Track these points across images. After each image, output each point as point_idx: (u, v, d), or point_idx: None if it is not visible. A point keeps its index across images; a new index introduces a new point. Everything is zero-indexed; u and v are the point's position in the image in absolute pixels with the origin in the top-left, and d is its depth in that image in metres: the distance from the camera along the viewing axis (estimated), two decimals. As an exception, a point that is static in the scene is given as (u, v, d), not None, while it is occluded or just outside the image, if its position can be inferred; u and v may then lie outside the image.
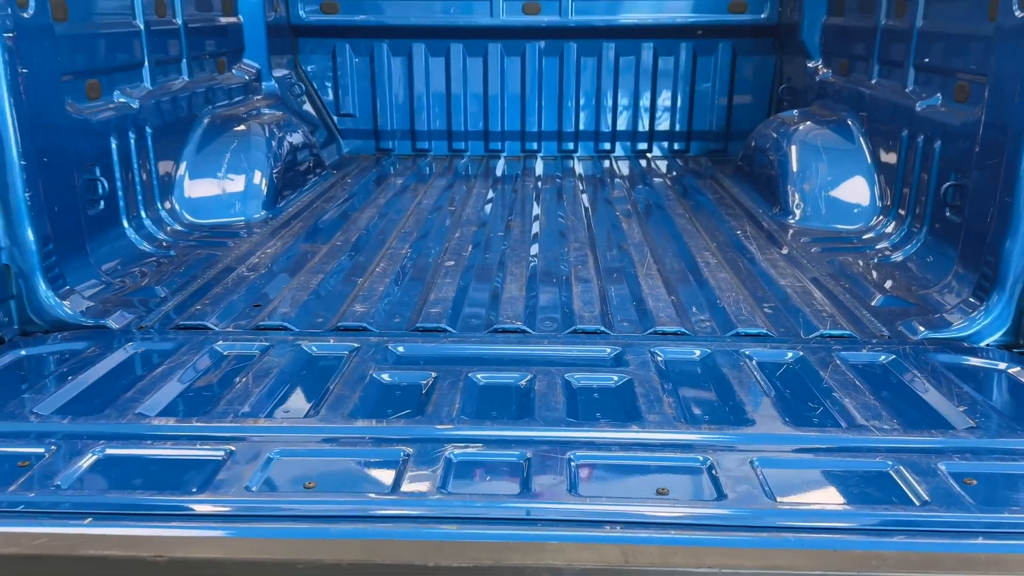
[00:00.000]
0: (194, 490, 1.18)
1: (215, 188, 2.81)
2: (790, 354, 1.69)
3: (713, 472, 1.22)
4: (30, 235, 1.84)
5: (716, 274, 2.23)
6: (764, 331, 1.83)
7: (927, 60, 2.45)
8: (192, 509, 1.13)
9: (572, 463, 1.25)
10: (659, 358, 1.67)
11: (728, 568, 0.97)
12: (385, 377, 1.59)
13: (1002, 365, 1.67)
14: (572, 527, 1.08)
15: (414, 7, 3.81)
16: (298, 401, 1.51)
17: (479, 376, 1.58)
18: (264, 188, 2.89)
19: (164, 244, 2.47)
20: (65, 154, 2.02)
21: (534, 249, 2.50)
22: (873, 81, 2.83)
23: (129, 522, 1.08)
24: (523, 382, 1.56)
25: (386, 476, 1.22)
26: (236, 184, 2.85)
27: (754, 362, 1.66)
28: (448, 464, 1.25)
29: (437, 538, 1.05)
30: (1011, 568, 1.05)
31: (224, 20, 3.29)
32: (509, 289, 2.12)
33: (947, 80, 2.32)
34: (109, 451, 1.29)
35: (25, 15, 1.86)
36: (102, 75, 2.36)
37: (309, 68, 3.96)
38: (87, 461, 1.26)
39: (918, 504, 1.15)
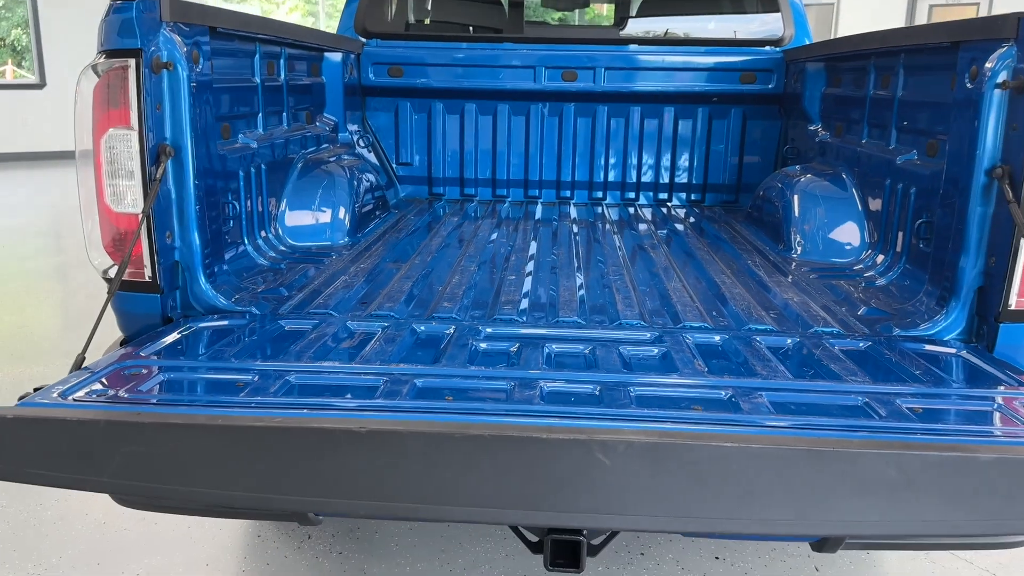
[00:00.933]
0: (374, 395, 1.67)
1: (309, 218, 3.35)
2: (790, 340, 2.18)
3: (733, 400, 1.71)
4: (196, 239, 2.37)
5: (731, 290, 2.74)
6: (771, 327, 2.32)
7: (906, 123, 2.99)
8: (371, 406, 1.62)
9: (631, 392, 1.74)
10: (689, 341, 2.17)
11: (753, 444, 1.45)
12: (481, 346, 2.09)
13: (953, 350, 2.16)
14: (634, 421, 1.57)
15: (467, 73, 4.41)
16: (422, 357, 2.01)
17: (552, 346, 2.08)
18: (347, 220, 3.43)
19: (274, 260, 3.00)
20: (215, 181, 2.56)
21: (578, 271, 3.01)
22: (863, 141, 3.37)
23: (333, 411, 1.57)
24: (587, 351, 2.06)
25: (500, 397, 1.71)
26: (326, 215, 3.39)
27: (763, 344, 2.15)
28: (542, 391, 1.74)
29: (540, 423, 1.53)
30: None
31: (311, 80, 3.88)
32: (563, 297, 2.63)
33: (921, 139, 2.85)
34: (295, 380, 1.79)
35: (198, 69, 2.42)
36: (233, 120, 2.92)
37: (374, 123, 4.55)
38: (284, 383, 1.76)
39: (877, 419, 1.64)
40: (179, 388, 1.80)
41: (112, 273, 2.27)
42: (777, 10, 4.45)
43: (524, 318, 2.39)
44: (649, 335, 2.22)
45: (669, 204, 4.59)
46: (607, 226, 3.96)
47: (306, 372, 1.84)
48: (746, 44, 4.49)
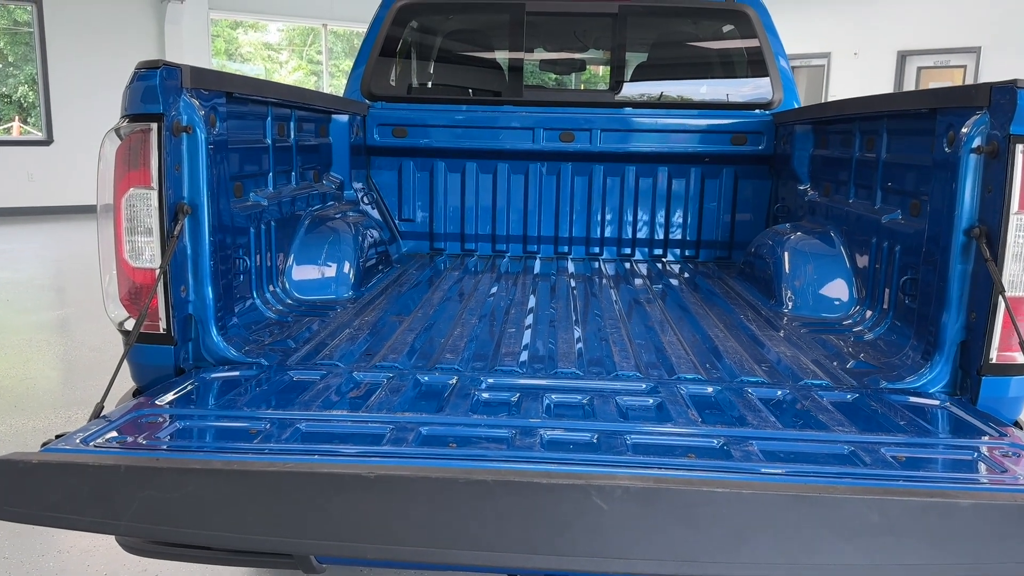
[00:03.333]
0: (381, 443, 1.75)
1: (315, 273, 3.45)
2: (780, 392, 2.27)
3: (725, 448, 1.79)
4: (210, 293, 2.46)
5: (724, 343, 2.83)
6: (763, 379, 2.41)
7: (890, 184, 3.12)
8: (379, 452, 1.70)
9: (627, 440, 1.82)
10: (683, 391, 2.25)
11: (743, 491, 1.52)
12: (483, 395, 2.17)
13: (938, 402, 2.24)
14: (631, 468, 1.64)
15: (469, 134, 4.57)
16: (426, 406, 2.09)
17: (552, 397, 2.16)
18: (352, 275, 3.54)
19: (281, 312, 3.09)
20: (227, 237, 2.67)
21: (576, 325, 3.10)
22: (850, 200, 3.50)
23: (343, 456, 1.65)
24: (584, 401, 2.14)
25: (501, 445, 1.79)
26: (331, 270, 3.49)
27: (754, 396, 2.23)
28: (542, 438, 1.82)
29: (540, 469, 1.61)
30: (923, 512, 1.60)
31: (319, 141, 4.03)
32: (561, 350, 2.72)
33: (904, 199, 2.98)
34: (307, 427, 1.87)
35: (215, 132, 2.54)
36: (245, 179, 3.04)
37: (378, 180, 4.70)
38: (294, 430, 1.83)
39: (862, 466, 1.72)
40: (194, 436, 1.87)
41: (128, 325, 2.36)
42: (766, 75, 4.64)
43: (524, 369, 2.47)
44: (645, 386, 2.30)
45: (664, 260, 4.70)
46: (604, 280, 4.07)
47: (315, 420, 1.91)
48: (737, 107, 4.66)
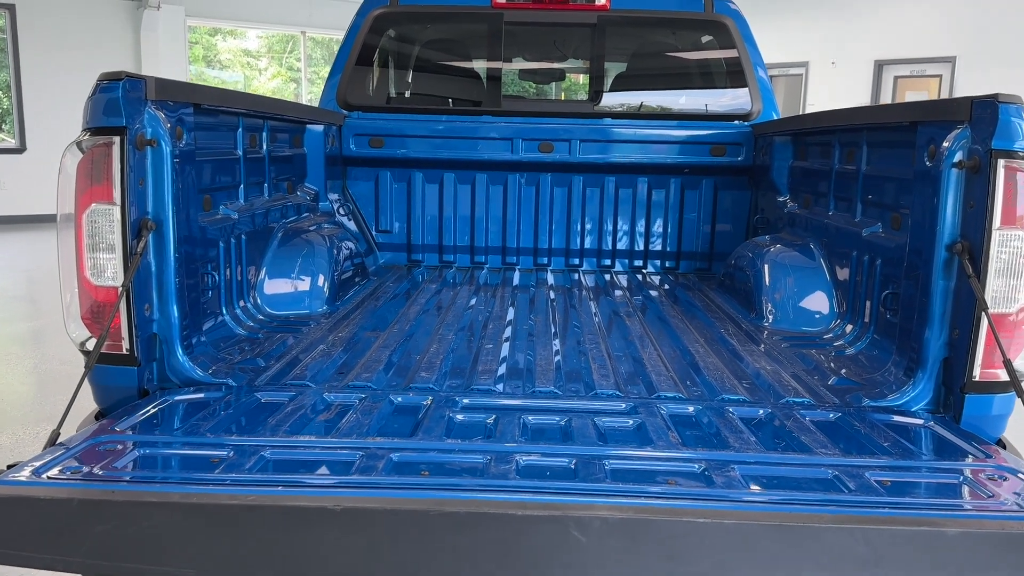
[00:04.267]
0: (350, 471, 1.68)
1: (288, 287, 3.37)
2: (762, 411, 2.22)
3: (706, 473, 1.74)
4: (175, 311, 2.38)
5: (705, 359, 2.79)
6: (744, 397, 2.36)
7: (870, 197, 3.09)
8: (346, 483, 1.63)
9: (606, 465, 1.76)
10: (663, 411, 2.20)
11: (725, 520, 1.47)
12: (458, 417, 2.11)
13: (921, 421, 2.20)
14: (610, 496, 1.59)
15: (447, 145, 4.51)
16: (399, 430, 2.02)
17: (528, 418, 2.10)
18: (326, 288, 3.46)
19: (251, 329, 3.01)
20: (195, 252, 2.59)
21: (554, 339, 3.05)
22: (830, 213, 3.48)
23: (308, 488, 1.58)
24: (562, 422, 2.08)
25: (476, 470, 1.73)
26: (304, 284, 3.42)
27: (735, 415, 2.19)
28: (518, 465, 1.76)
29: (515, 499, 1.55)
30: (907, 540, 1.55)
31: (292, 152, 3.95)
32: (539, 366, 2.66)
33: (885, 212, 2.95)
34: (272, 456, 1.79)
35: (182, 145, 2.47)
36: (215, 192, 2.96)
37: (355, 191, 4.63)
38: (259, 458, 1.76)
39: (847, 492, 1.67)
40: (153, 464, 1.79)
41: (90, 345, 2.27)
42: (745, 86, 4.62)
43: (501, 388, 2.41)
44: (624, 406, 2.24)
45: (644, 271, 4.66)
46: (583, 293, 4.02)
47: (281, 447, 1.84)
48: (716, 118, 4.64)
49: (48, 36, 14.51)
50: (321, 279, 3.46)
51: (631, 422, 2.10)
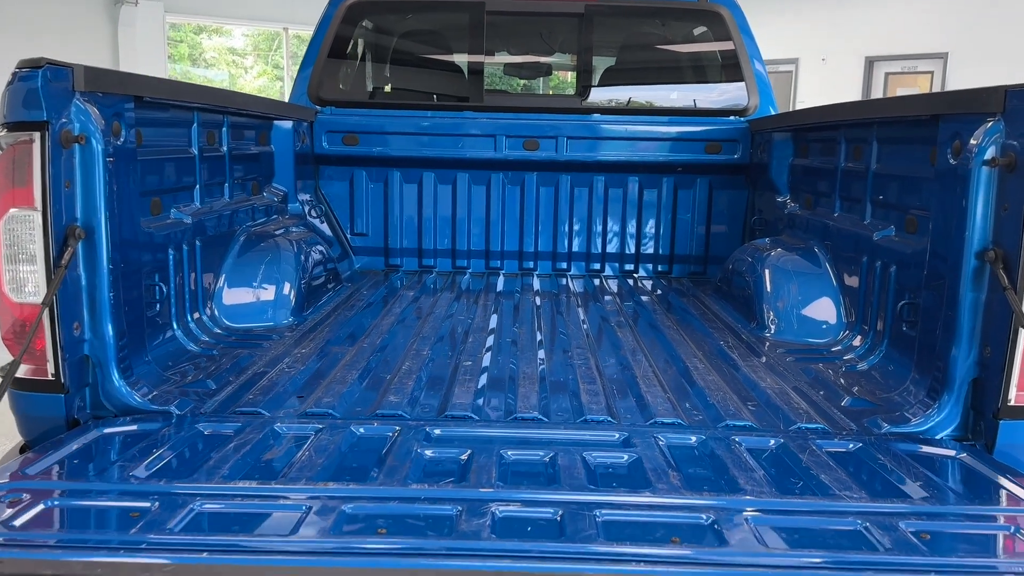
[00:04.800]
0: (285, 534, 1.41)
1: (250, 296, 3.10)
2: (773, 441, 1.97)
3: (715, 526, 1.48)
4: (110, 330, 2.11)
5: (705, 377, 2.53)
6: (750, 424, 2.11)
7: (881, 197, 2.84)
8: (285, 548, 1.36)
9: (597, 517, 1.50)
10: (661, 442, 1.94)
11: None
12: (428, 453, 1.84)
13: (951, 452, 1.95)
14: (602, 562, 1.32)
15: (426, 142, 4.24)
16: (357, 470, 1.75)
17: (508, 453, 1.84)
18: (292, 298, 3.19)
19: (206, 345, 2.73)
20: (137, 262, 2.31)
21: (540, 353, 2.78)
22: (836, 214, 3.23)
23: (237, 555, 1.31)
24: (547, 458, 1.82)
25: (444, 525, 1.46)
26: (268, 293, 3.14)
27: (743, 447, 1.93)
28: (494, 517, 1.49)
29: (489, 567, 1.29)
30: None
31: (258, 149, 3.67)
32: (523, 386, 2.40)
33: (899, 214, 2.71)
34: (206, 507, 1.52)
35: (119, 142, 2.19)
36: (164, 194, 2.69)
37: (328, 192, 4.35)
38: (188, 512, 1.49)
39: (882, 551, 1.41)
40: (62, 521, 1.52)
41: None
42: (741, 79, 4.37)
43: (479, 415, 2.15)
44: (617, 435, 1.99)
45: (635, 275, 4.41)
46: (571, 299, 3.76)
47: (216, 496, 1.57)
48: (711, 113, 4.39)
49: (22, 32, 14.11)
50: (287, 287, 3.19)
51: (625, 457, 1.84)
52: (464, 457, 1.81)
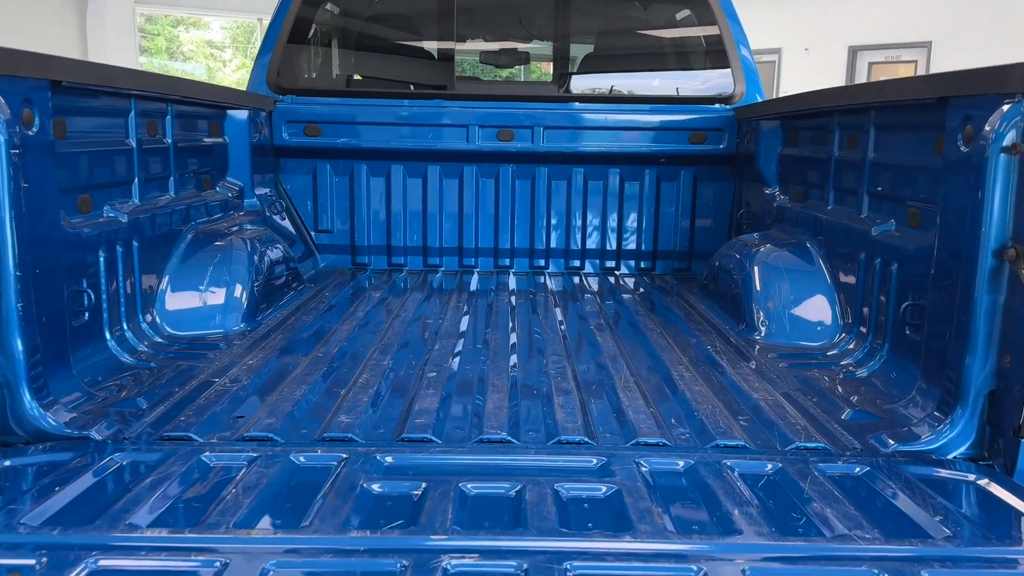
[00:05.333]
0: None
1: (196, 301, 2.84)
2: (769, 466, 1.74)
3: None
4: (19, 345, 1.85)
5: (691, 387, 2.31)
6: (742, 443, 1.88)
7: (880, 189, 2.63)
8: None
9: (568, 572, 1.27)
10: (644, 468, 1.71)
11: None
12: (375, 487, 1.60)
13: (971, 477, 1.74)
14: None
15: (394, 132, 3.98)
16: (290, 511, 1.51)
17: (469, 486, 1.60)
18: (244, 301, 2.93)
19: (145, 356, 2.48)
20: (57, 266, 2.06)
21: (513, 360, 2.55)
22: (829, 207, 3.01)
23: None
24: (513, 492, 1.58)
25: None
26: (217, 297, 2.88)
27: (736, 473, 1.70)
28: (444, 574, 1.26)
29: None
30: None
31: (210, 140, 3.41)
32: (491, 400, 2.17)
33: (900, 207, 2.49)
34: (103, 562, 1.28)
35: (30, 132, 1.93)
36: (95, 191, 2.43)
37: (289, 186, 4.09)
38: (80, 572, 1.25)
39: None
40: None
41: None
42: (727, 66, 4.14)
43: (440, 435, 1.91)
44: (595, 460, 1.76)
45: (617, 273, 4.18)
46: (549, 300, 3.53)
47: (118, 548, 1.32)
48: (695, 101, 4.16)
49: (-15, 22, 13.68)
50: (238, 290, 2.94)
51: (604, 489, 1.61)
52: (418, 492, 1.57)
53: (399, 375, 2.39)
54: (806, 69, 16.01)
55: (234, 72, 24.77)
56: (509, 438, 1.89)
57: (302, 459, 1.73)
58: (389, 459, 1.74)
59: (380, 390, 2.24)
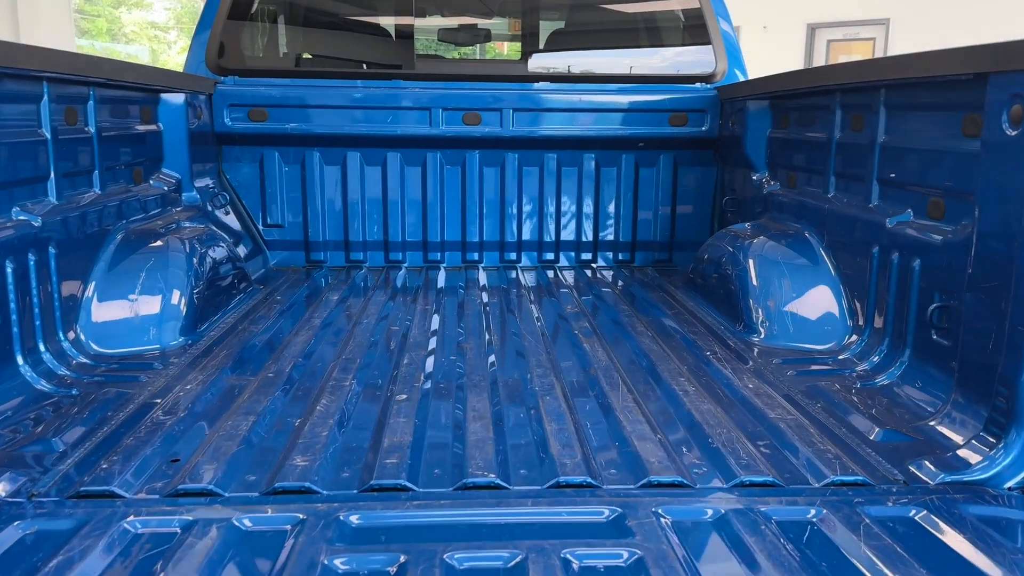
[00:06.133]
0: None
1: (127, 312, 2.49)
2: (812, 511, 1.48)
3: None
4: None
5: (698, 405, 2.03)
6: (771, 479, 1.62)
7: (893, 175, 2.38)
8: None
9: None
10: (666, 521, 1.43)
11: None
12: (340, 564, 1.29)
13: (1043, 516, 1.49)
14: None
15: (349, 116, 3.64)
16: None
17: (457, 556, 1.30)
18: (183, 310, 2.59)
19: (65, 382, 2.13)
20: None
21: (493, 375, 2.26)
22: (830, 195, 2.76)
23: None
24: (512, 564, 1.29)
25: None
26: (151, 306, 2.53)
27: (774, 523, 1.43)
28: None
29: None
30: None
31: (142, 128, 3.03)
32: (473, 429, 1.87)
33: (918, 196, 2.24)
34: None
35: None
36: (1, 189, 2.06)
37: (234, 177, 3.72)
38: None
39: None
40: None
41: None
42: (708, 42, 3.87)
43: (416, 480, 1.61)
44: (606, 512, 1.47)
45: (594, 266, 3.90)
46: (524, 297, 3.23)
47: None
48: (674, 80, 3.88)
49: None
50: (176, 297, 2.59)
51: (624, 556, 1.32)
52: (393, 570, 1.27)
53: (364, 399, 2.07)
54: (765, 48, 15.86)
55: (179, 55, 24.03)
56: (499, 481, 1.59)
57: (248, 522, 1.41)
58: (356, 519, 1.43)
59: (342, 419, 1.92)
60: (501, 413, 1.97)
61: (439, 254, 3.86)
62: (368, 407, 2.00)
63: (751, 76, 3.69)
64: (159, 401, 2.03)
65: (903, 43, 13.66)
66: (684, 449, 1.77)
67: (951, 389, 1.93)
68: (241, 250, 3.48)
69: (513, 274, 3.72)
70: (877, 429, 1.89)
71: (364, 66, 4.14)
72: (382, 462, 1.67)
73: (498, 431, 1.86)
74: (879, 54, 14.00)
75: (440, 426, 1.88)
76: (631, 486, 1.59)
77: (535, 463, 1.69)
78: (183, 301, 2.60)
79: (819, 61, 15.10)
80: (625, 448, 1.77)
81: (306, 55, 4.27)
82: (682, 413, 1.99)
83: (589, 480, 1.60)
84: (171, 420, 1.91)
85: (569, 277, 3.68)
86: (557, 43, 4.43)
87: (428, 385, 2.17)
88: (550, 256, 3.90)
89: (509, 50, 6.75)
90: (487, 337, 2.65)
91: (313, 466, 1.65)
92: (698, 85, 3.83)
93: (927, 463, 1.69)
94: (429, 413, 1.97)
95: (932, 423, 1.89)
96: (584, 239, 3.90)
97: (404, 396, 2.08)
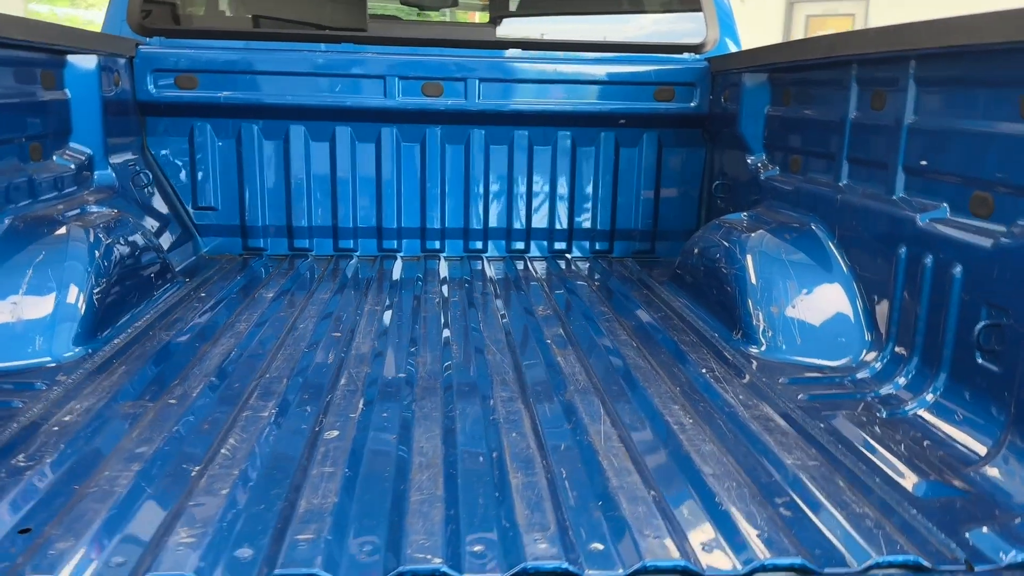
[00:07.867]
0: None
1: (8, 316, 2.06)
2: None
3: None
4: None
5: (699, 445, 1.66)
6: (800, 561, 1.25)
7: (924, 163, 2.01)
8: None
9: None
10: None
11: None
12: None
13: None
14: None
15: (292, 84, 3.20)
16: None
17: None
18: (80, 313, 2.16)
19: None
20: None
21: (449, 402, 1.86)
22: (842, 183, 2.40)
23: None
24: None
25: None
26: (40, 309, 2.11)
27: (815, 640, 1.07)
28: None
29: None
30: None
31: (45, 96, 2.58)
32: (418, 483, 1.48)
33: (957, 189, 1.88)
34: None
35: None
36: None
37: (160, 152, 3.26)
38: None
39: None
40: None
41: None
42: (698, 8, 3.48)
43: (335, 568, 1.21)
44: None
45: (568, 256, 3.52)
46: (490, 295, 2.84)
47: None
48: (660, 50, 3.48)
49: None
50: (71, 297, 2.16)
51: None
52: None
53: (284, 436, 1.67)
54: (742, 22, 15.53)
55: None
56: (446, 570, 1.20)
57: None
58: None
59: (250, 468, 1.52)
60: (455, 459, 1.58)
61: (395, 242, 3.45)
62: (287, 450, 1.60)
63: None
64: (29, 437, 1.61)
65: (883, 19, 13.39)
66: (686, 513, 1.39)
67: (1003, 428, 1.59)
68: (166, 237, 3.05)
69: (478, 265, 3.32)
70: (918, 479, 1.54)
71: (311, 28, 3.68)
72: (293, 538, 1.27)
73: (450, 486, 1.47)
74: (859, 30, 13.73)
75: (377, 479, 1.49)
76: (620, 572, 1.22)
77: (494, 536, 1.30)
78: (81, 302, 2.17)
79: (798, 35, 14.78)
80: (611, 513, 1.39)
81: (244, 14, 3.79)
82: (680, 457, 1.61)
83: (566, 567, 1.22)
84: (34, 467, 1.50)
85: (540, 269, 3.29)
86: (530, 6, 4.00)
87: (365, 417, 1.77)
88: (520, 245, 3.50)
89: (480, 17, 6.28)
90: (444, 347, 2.26)
91: (201, 541, 1.25)
92: (686, 56, 3.44)
93: (989, 533, 1.34)
94: (365, 458, 1.57)
95: (984, 470, 1.54)
96: (558, 226, 3.50)
97: (335, 432, 1.68)
